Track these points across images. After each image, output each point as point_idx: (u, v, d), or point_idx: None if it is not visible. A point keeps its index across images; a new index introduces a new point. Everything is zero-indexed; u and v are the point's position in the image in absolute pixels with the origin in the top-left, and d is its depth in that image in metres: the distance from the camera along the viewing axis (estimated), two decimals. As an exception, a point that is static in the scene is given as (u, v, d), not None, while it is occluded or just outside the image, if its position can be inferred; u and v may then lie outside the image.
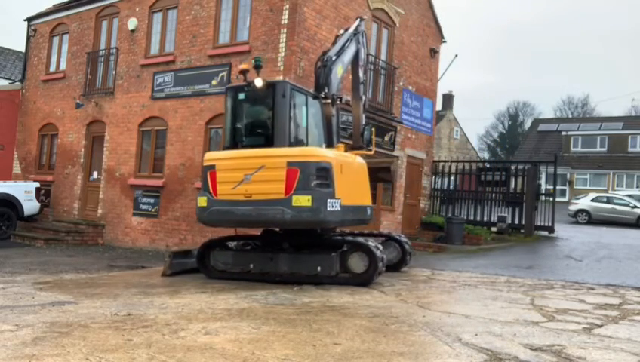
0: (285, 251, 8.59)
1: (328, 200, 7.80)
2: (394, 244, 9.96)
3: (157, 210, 14.13)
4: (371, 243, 8.33)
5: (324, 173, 7.87)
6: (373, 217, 9.87)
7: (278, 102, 8.32)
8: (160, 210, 14.06)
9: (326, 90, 9.01)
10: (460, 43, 44.98)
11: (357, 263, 8.19)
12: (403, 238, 10.14)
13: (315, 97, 9.00)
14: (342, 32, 10.27)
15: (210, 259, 9.04)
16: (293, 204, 7.63)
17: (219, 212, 8.23)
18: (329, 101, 9.00)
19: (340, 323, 5.48)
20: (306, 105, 8.82)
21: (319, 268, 8.20)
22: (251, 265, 8.72)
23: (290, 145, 8.24)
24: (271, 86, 8.48)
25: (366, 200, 9.01)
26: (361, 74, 10.51)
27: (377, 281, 8.36)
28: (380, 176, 10.48)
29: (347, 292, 7.54)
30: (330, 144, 9.03)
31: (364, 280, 8.11)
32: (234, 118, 8.83)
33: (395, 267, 9.74)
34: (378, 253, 8.16)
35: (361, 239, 8.50)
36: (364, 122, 10.38)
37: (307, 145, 8.53)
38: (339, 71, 9.45)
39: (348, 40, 9.94)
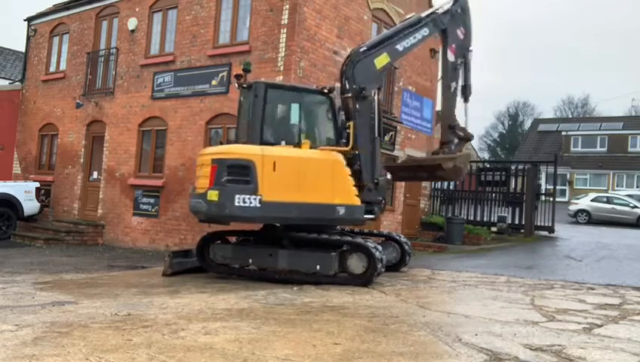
0: (285, 248, 8.60)
1: (237, 195, 7.96)
2: (393, 244, 9.96)
3: (157, 210, 14.13)
4: (370, 244, 8.31)
5: (240, 169, 8.07)
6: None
7: (253, 102, 8.67)
8: (160, 210, 14.06)
9: (346, 84, 8.94)
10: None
11: (356, 264, 8.19)
12: (403, 238, 10.13)
13: (321, 93, 8.97)
14: (412, 15, 10.10)
15: (209, 252, 9.10)
16: (208, 199, 8.10)
17: (190, 203, 8.95)
18: (332, 95, 8.87)
19: (339, 323, 5.48)
20: (301, 102, 9.05)
21: (318, 267, 8.22)
22: (250, 260, 8.76)
23: (264, 143, 8.47)
24: (250, 87, 8.86)
25: (333, 198, 8.41)
26: (451, 57, 9.98)
27: (377, 281, 8.35)
28: (438, 174, 10.17)
29: (347, 292, 7.55)
30: (340, 139, 8.97)
31: (363, 281, 8.11)
32: (238, 117, 9.44)
33: (394, 267, 9.73)
34: (377, 254, 8.15)
35: (360, 239, 8.47)
36: (460, 113, 9.87)
37: (299, 142, 8.51)
38: (378, 61, 9.19)
39: (409, 26, 9.66)
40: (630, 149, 40.06)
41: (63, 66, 17.52)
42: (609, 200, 26.68)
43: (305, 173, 8.30)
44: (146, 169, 14.76)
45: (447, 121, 9.88)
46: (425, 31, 9.80)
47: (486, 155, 61.01)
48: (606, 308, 6.73)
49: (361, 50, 9.18)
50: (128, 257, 12.64)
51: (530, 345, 4.70)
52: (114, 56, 15.73)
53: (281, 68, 12.04)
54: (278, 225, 9.02)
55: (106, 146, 15.67)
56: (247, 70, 9.18)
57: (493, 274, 9.84)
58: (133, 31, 15.22)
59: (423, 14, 9.98)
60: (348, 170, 8.58)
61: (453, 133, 9.97)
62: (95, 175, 16.07)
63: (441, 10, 10.08)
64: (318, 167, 8.41)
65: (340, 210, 8.39)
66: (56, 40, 17.99)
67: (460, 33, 10.08)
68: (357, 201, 8.54)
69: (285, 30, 12.13)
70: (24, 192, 15.55)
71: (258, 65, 12.30)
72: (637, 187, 37.64)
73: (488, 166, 21.48)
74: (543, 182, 17.92)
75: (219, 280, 8.73)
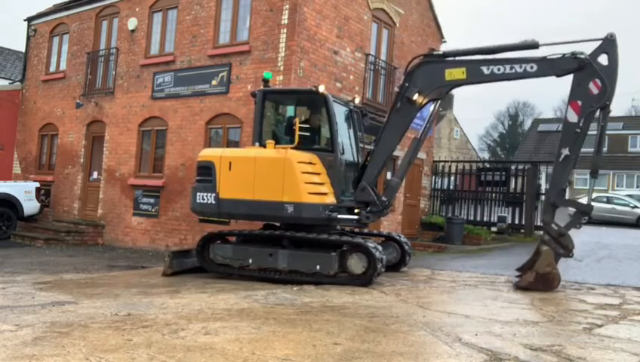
0: (285, 248, 8.62)
1: (198, 193, 8.93)
2: (393, 245, 9.95)
3: (157, 210, 14.13)
4: (370, 244, 8.31)
5: (205, 170, 8.94)
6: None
7: (255, 107, 9.33)
8: (160, 210, 14.06)
9: (404, 81, 8.88)
10: (460, 43, 44.94)
11: (356, 264, 8.19)
12: (403, 238, 10.13)
13: (312, 92, 8.97)
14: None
15: (209, 252, 9.12)
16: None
17: None
18: (325, 93, 8.76)
19: (340, 323, 5.47)
20: (296, 103, 9.38)
21: (318, 267, 8.24)
22: (250, 260, 8.78)
23: (261, 145, 8.93)
24: (255, 95, 9.44)
25: (282, 196, 8.31)
26: (572, 117, 7.98)
27: (377, 281, 8.35)
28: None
29: (347, 292, 7.54)
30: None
31: (363, 282, 8.11)
32: None
33: (394, 267, 9.73)
34: (377, 253, 8.15)
35: (360, 239, 8.47)
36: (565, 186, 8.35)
37: (293, 143, 8.50)
38: (450, 73, 8.49)
39: (517, 48, 8.11)
40: (630, 149, 40.07)
41: (63, 66, 17.52)
42: (609, 201, 26.64)
43: (257, 172, 8.55)
44: (146, 169, 14.76)
45: (548, 198, 8.17)
46: (532, 67, 8.07)
47: (486, 155, 61.01)
48: (606, 308, 6.72)
49: (437, 52, 8.79)
50: (128, 257, 12.64)
51: (530, 345, 4.70)
52: (114, 56, 15.73)
53: (281, 68, 12.04)
54: (277, 224, 9.19)
55: (106, 146, 15.66)
56: (266, 81, 9.39)
57: (494, 274, 9.83)
58: (133, 31, 15.22)
59: (547, 53, 8.08)
60: (302, 167, 8.35)
61: (552, 212, 8.21)
62: (95, 175, 16.07)
63: (569, 54, 8.00)
64: (270, 165, 8.52)
65: (288, 208, 8.32)
66: (56, 40, 17.99)
67: (592, 87, 7.80)
68: (307, 199, 8.27)
69: (285, 30, 12.13)
70: (24, 192, 15.54)
71: (258, 66, 12.32)
72: (637, 187, 37.63)
73: (488, 166, 21.48)
74: (542, 182, 17.89)
75: (219, 280, 8.73)
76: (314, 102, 9.09)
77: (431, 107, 9.17)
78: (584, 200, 8.72)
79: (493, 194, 17.67)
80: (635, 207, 25.76)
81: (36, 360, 4.02)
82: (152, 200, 14.28)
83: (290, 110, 9.50)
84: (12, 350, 4.27)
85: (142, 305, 6.34)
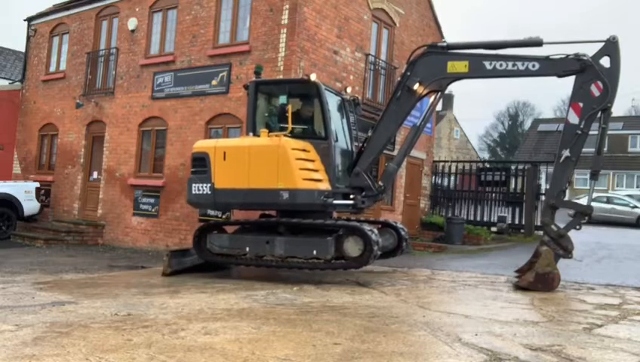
0: (281, 234, 8.64)
1: (193, 184, 8.92)
2: (390, 231, 9.88)
3: (157, 210, 14.13)
4: (366, 226, 8.32)
5: (200, 161, 8.94)
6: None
7: (248, 99, 9.43)
8: (160, 210, 14.06)
9: (406, 70, 8.77)
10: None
11: (352, 247, 8.20)
12: (399, 225, 10.07)
13: (304, 82, 9.10)
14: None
15: (206, 242, 9.12)
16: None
17: None
18: (317, 82, 8.81)
19: (340, 323, 5.47)
20: (288, 93, 9.34)
21: (315, 252, 8.26)
22: (247, 249, 8.79)
23: (255, 135, 8.99)
24: (247, 87, 9.49)
25: (277, 183, 8.33)
26: (573, 119, 8.11)
27: (377, 281, 8.36)
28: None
29: (347, 292, 7.55)
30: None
31: (360, 264, 8.17)
32: None
33: (392, 252, 9.72)
34: (373, 236, 8.15)
35: (355, 223, 8.48)
36: (565, 187, 8.29)
37: (288, 133, 8.52)
38: (452, 65, 8.45)
39: (520, 44, 8.24)
40: (630, 149, 40.07)
41: (63, 66, 17.52)
42: (609, 201, 26.64)
43: (252, 161, 8.53)
44: (146, 169, 14.77)
45: (548, 199, 8.31)
46: (534, 65, 8.11)
47: (486, 155, 61.04)
48: (606, 308, 6.72)
49: (441, 44, 8.76)
50: (128, 257, 12.64)
51: (530, 345, 4.70)
52: (114, 56, 15.74)
53: (281, 68, 12.05)
54: (273, 213, 9.27)
55: (106, 146, 15.67)
56: (258, 73, 9.42)
57: (493, 274, 9.83)
58: (133, 31, 15.22)
59: (550, 52, 8.11)
60: (297, 154, 8.35)
61: (552, 213, 8.29)
62: (95, 175, 16.08)
63: (571, 55, 8.03)
64: (264, 153, 8.51)
65: (283, 195, 8.32)
66: (56, 40, 17.99)
67: (594, 89, 7.90)
68: (302, 185, 8.26)
69: (285, 30, 12.13)
70: (24, 192, 15.55)
71: (258, 66, 12.32)
72: (637, 187, 37.64)
73: (488, 166, 21.48)
74: (542, 182, 17.90)
75: (219, 280, 8.73)
76: (306, 91, 9.08)
77: (430, 99, 9.17)
78: (584, 201, 8.69)
79: (493, 194, 17.67)
80: (635, 207, 25.77)
81: (36, 360, 4.02)
82: (152, 200, 14.28)
83: (282, 100, 9.42)
84: (12, 350, 4.27)
85: (142, 305, 6.34)
